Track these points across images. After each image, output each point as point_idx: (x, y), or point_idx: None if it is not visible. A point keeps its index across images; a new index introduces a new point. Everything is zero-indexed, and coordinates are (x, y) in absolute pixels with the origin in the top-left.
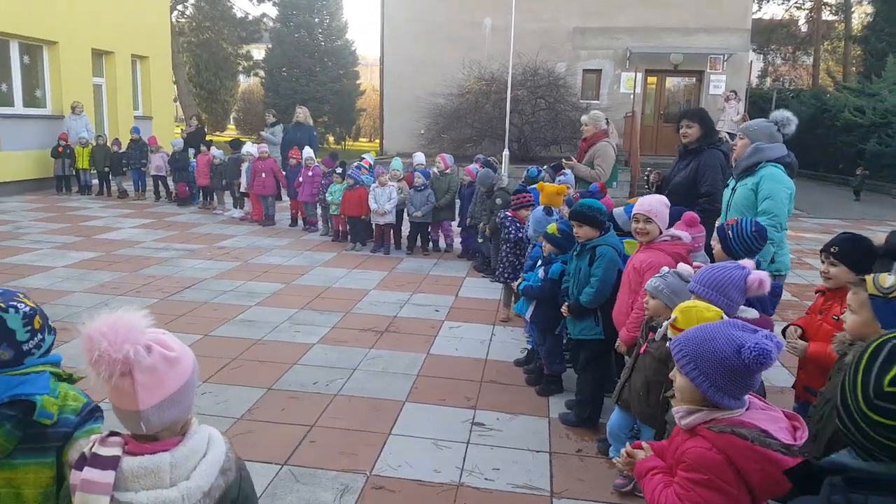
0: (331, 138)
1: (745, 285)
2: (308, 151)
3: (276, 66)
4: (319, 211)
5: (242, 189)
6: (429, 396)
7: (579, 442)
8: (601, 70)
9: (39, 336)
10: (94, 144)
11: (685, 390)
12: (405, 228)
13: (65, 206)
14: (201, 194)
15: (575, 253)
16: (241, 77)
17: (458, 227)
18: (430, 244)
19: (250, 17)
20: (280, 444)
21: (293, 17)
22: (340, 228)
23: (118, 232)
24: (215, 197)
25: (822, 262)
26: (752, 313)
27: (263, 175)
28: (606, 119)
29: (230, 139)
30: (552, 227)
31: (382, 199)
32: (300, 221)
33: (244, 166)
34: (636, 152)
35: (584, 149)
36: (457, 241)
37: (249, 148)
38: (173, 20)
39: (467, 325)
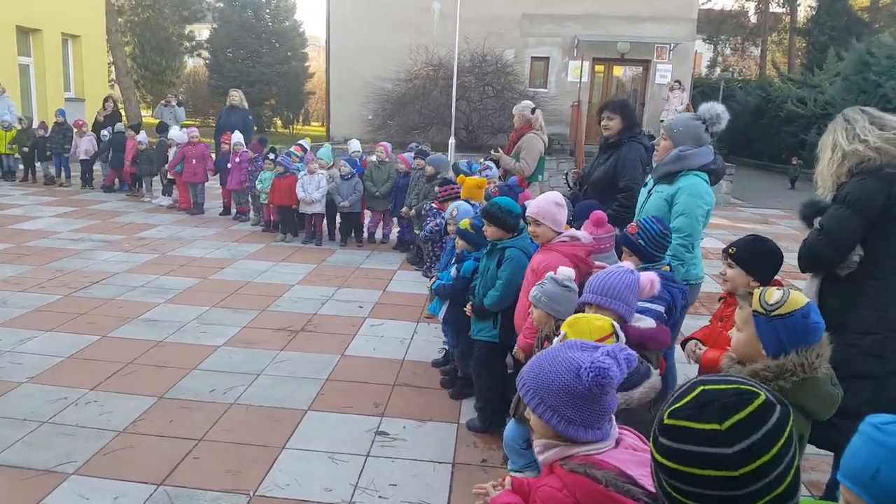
0: (279, 122)
1: (637, 288)
2: (237, 136)
3: (221, 46)
4: (251, 199)
5: (169, 175)
6: (334, 404)
7: (485, 451)
8: (549, 58)
9: None
10: (19, 128)
11: (538, 427)
12: (339, 219)
13: None
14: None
15: (485, 251)
16: (188, 58)
17: (393, 217)
18: (366, 235)
19: None
20: (160, 462)
21: None
22: (271, 218)
23: (35, 221)
24: (143, 184)
25: (723, 263)
26: (648, 321)
27: (194, 161)
28: (533, 109)
29: (157, 123)
30: (465, 223)
31: (311, 188)
32: (233, 210)
33: (171, 151)
34: (581, 143)
35: (514, 140)
36: (395, 231)
37: (176, 133)
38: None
39: (390, 322)
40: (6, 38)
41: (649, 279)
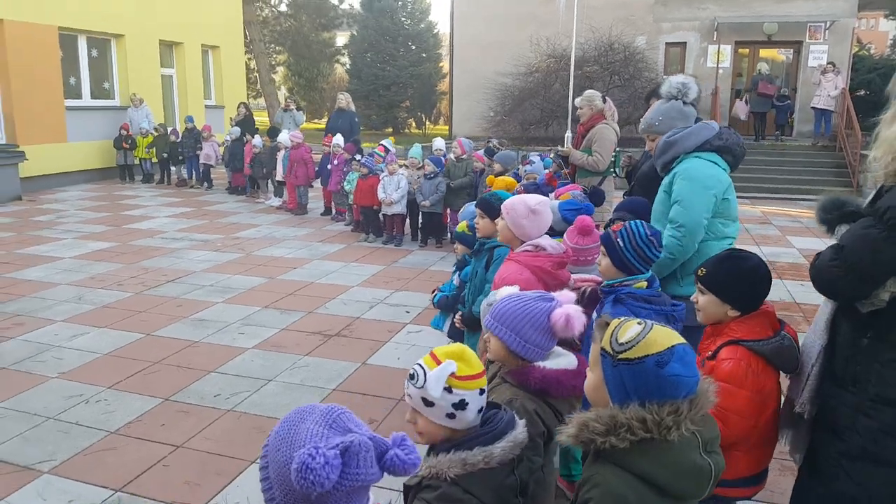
0: (412, 123)
1: (547, 322)
2: (337, 139)
3: (360, 51)
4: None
5: (278, 178)
6: None
7: None
8: (685, 43)
9: None
10: (155, 134)
11: None
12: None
13: (120, 194)
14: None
15: (473, 251)
16: (338, 65)
17: None
18: (448, 235)
19: (339, 4)
20: (129, 466)
21: (376, 2)
22: (358, 219)
23: (150, 221)
24: (258, 185)
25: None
26: (568, 359)
27: (296, 164)
28: (604, 97)
29: (269, 128)
30: (462, 226)
31: (391, 189)
32: (333, 211)
33: (280, 155)
34: None
35: (582, 133)
36: None
37: (283, 137)
38: (257, 11)
39: (429, 330)
40: (150, 51)
41: (564, 314)
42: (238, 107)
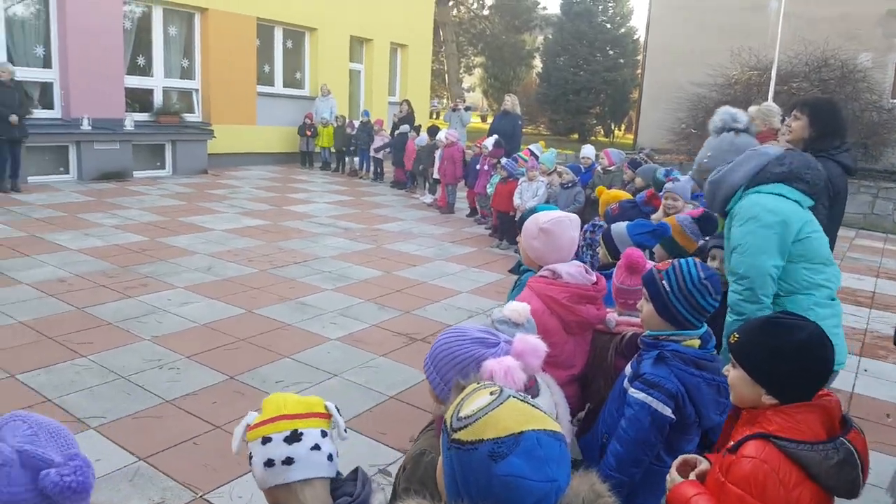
0: (601, 130)
1: (474, 371)
2: (488, 141)
3: (552, 55)
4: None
5: (435, 175)
6: (371, 426)
7: None
8: None
9: None
10: (335, 125)
11: None
12: None
13: (295, 178)
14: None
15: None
16: (527, 68)
17: None
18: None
19: (538, 7)
20: (163, 438)
21: (575, 5)
22: (497, 223)
23: (309, 205)
24: (416, 181)
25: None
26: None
27: (445, 162)
28: (783, 117)
29: (429, 126)
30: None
31: (527, 195)
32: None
33: (437, 152)
34: None
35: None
36: None
37: (441, 135)
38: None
39: None
40: (341, 46)
41: (503, 367)
42: (401, 104)
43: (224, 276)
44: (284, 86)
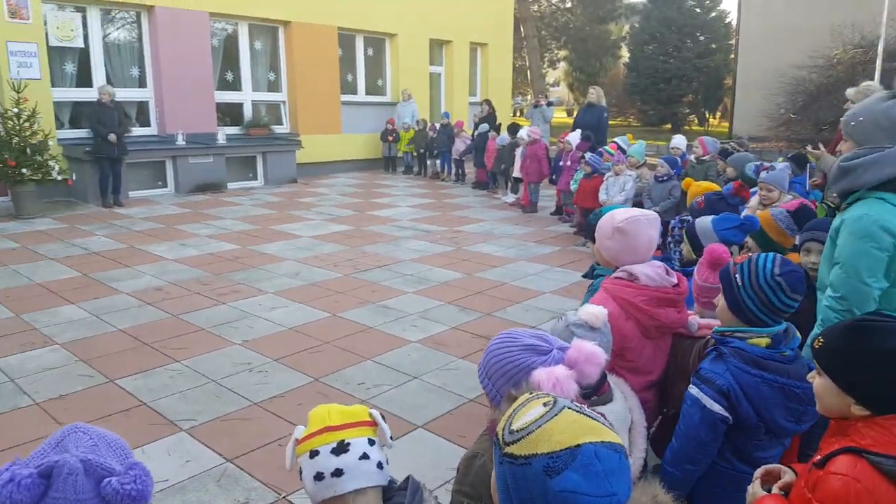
0: (694, 119)
1: (525, 381)
2: (572, 136)
3: (640, 44)
4: None
5: (515, 174)
6: (451, 429)
7: None
8: None
9: None
10: (416, 129)
11: None
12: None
13: (379, 183)
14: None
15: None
16: (613, 59)
17: None
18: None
19: None
20: (250, 440)
21: None
22: (582, 221)
23: (391, 209)
24: (497, 181)
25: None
26: None
27: (528, 160)
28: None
29: (510, 124)
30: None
31: (613, 191)
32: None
33: (518, 151)
34: None
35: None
36: None
37: (523, 132)
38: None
39: None
40: (421, 50)
41: (551, 378)
42: (482, 103)
43: (311, 280)
44: (367, 93)
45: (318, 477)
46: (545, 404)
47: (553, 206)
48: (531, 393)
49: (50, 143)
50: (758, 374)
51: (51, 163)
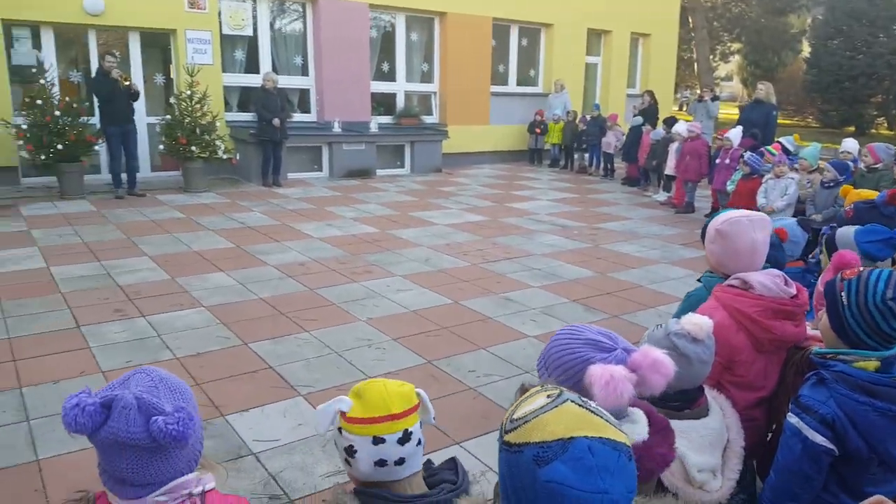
0: (884, 122)
1: (582, 376)
2: (732, 133)
3: (822, 37)
4: None
5: (668, 171)
6: None
7: None
8: None
9: None
10: (566, 121)
11: None
12: None
13: (522, 175)
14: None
15: None
16: (791, 53)
17: None
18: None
19: None
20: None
21: None
22: None
23: (530, 202)
24: (649, 178)
25: None
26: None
27: (687, 157)
28: None
29: (666, 116)
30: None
31: (774, 195)
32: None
33: (673, 146)
34: None
35: None
36: None
37: (679, 127)
38: None
39: None
40: (577, 40)
41: (605, 374)
42: (643, 95)
43: (439, 267)
44: (518, 84)
45: (381, 463)
46: (549, 396)
47: (709, 207)
48: (542, 386)
49: (217, 124)
50: (867, 401)
51: (217, 142)
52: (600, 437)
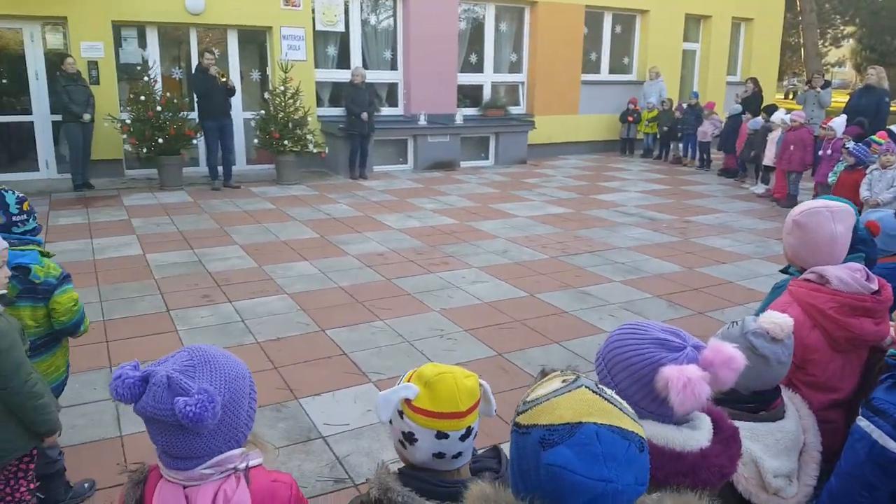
0: None
1: (651, 378)
2: (836, 122)
3: None
4: None
5: (767, 162)
6: None
7: None
8: None
9: (25, 216)
10: (660, 109)
11: None
12: None
13: (611, 167)
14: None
15: None
16: None
17: None
18: None
19: None
20: None
21: None
22: None
23: (618, 194)
24: (746, 169)
25: None
26: (696, 435)
27: (791, 147)
28: None
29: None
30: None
31: (879, 186)
32: None
33: (772, 136)
34: None
35: None
36: None
37: (781, 115)
38: None
39: None
40: (675, 26)
41: (683, 377)
42: (746, 82)
43: (517, 259)
44: (610, 72)
45: (439, 455)
46: (564, 381)
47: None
48: (561, 371)
49: (309, 119)
50: None
51: (308, 136)
52: (610, 425)
